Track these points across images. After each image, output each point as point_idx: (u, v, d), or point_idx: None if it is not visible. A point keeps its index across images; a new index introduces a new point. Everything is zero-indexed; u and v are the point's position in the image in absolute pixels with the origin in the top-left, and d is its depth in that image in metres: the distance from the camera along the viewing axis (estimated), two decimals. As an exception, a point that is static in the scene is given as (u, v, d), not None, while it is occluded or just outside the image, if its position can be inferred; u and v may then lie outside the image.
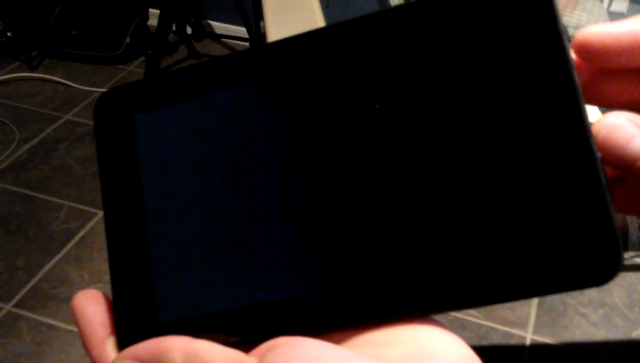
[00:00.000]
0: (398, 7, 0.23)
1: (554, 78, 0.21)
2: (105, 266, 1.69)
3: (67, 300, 1.60)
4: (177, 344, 0.22)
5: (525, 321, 1.60)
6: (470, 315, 1.57)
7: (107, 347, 0.24)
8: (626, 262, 1.69)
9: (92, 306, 0.25)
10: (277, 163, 0.24)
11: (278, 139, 0.24)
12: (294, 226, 0.23)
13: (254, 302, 0.23)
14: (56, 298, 1.61)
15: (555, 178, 0.21)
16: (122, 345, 0.24)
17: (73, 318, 0.24)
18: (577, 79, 0.21)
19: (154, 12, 2.57)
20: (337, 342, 0.22)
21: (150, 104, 0.26)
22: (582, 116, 0.21)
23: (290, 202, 0.23)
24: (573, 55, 0.23)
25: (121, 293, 0.25)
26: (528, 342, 1.55)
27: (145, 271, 0.25)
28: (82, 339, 0.24)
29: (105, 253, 1.72)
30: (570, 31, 1.18)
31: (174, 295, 0.24)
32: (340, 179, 0.23)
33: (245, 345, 0.22)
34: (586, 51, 0.23)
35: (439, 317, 0.23)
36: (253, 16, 2.36)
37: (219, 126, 0.25)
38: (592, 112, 0.21)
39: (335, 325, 0.22)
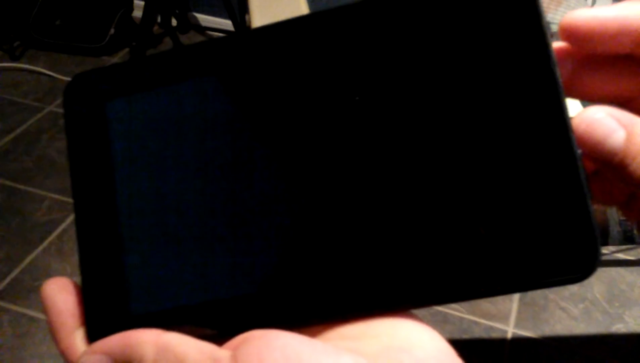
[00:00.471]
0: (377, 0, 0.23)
1: (536, 73, 0.21)
2: (87, 259, 1.68)
3: (49, 292, 1.59)
4: (148, 337, 0.21)
5: (507, 315, 1.61)
6: (452, 309, 1.58)
7: (76, 339, 0.23)
8: (607, 257, 1.70)
9: (62, 295, 0.24)
10: (248, 154, 0.23)
11: (250, 131, 0.23)
12: (268, 218, 0.23)
13: (228, 295, 0.23)
14: (38, 290, 1.59)
15: (534, 173, 0.21)
16: (92, 337, 0.23)
17: (42, 306, 0.24)
18: (559, 74, 0.21)
19: (139, 4, 2.55)
20: (312, 335, 0.22)
21: (122, 90, 0.25)
22: (562, 111, 0.21)
23: (262, 194, 0.23)
24: (557, 44, 0.23)
25: (92, 284, 0.24)
26: (509, 335, 1.56)
27: (116, 262, 0.24)
28: (51, 329, 0.24)
29: (87, 245, 1.71)
30: (554, 28, 1.18)
31: (147, 286, 0.24)
32: (310, 170, 0.23)
33: (219, 338, 0.22)
34: (572, 34, 0.23)
35: (420, 311, 0.23)
36: (238, 9, 2.35)
37: (192, 115, 0.24)
38: (574, 106, 0.21)
39: (310, 318, 0.22)
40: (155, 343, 0.21)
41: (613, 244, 1.21)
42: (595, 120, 0.22)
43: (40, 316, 1.53)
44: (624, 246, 1.58)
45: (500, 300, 1.64)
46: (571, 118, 0.21)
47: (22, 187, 1.89)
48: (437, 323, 1.54)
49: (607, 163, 0.22)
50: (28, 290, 1.59)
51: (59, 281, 0.24)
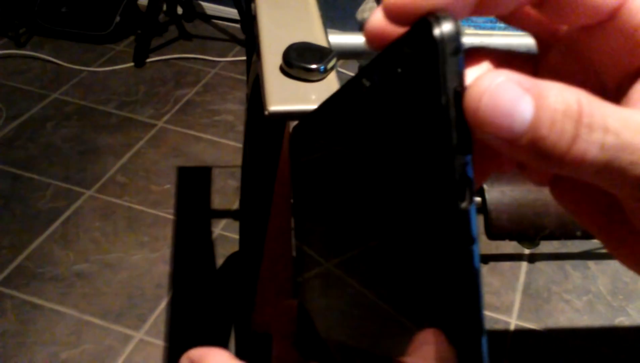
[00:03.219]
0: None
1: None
2: (90, 246, 1.69)
3: (52, 279, 1.60)
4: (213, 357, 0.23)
5: (510, 307, 1.61)
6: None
7: None
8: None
9: None
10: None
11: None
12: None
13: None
14: (41, 277, 1.60)
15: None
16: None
17: None
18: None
19: (144, -9, 2.54)
20: None
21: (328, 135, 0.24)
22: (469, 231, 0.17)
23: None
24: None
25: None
26: (512, 327, 1.56)
27: None
28: None
29: (91, 232, 1.72)
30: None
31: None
32: None
33: None
34: None
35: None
36: (244, -3, 2.34)
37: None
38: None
39: None
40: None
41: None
42: (499, 87, 0.16)
43: (44, 303, 1.54)
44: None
45: (503, 292, 1.64)
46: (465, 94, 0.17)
47: (26, 174, 1.89)
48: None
49: (514, 143, 0.16)
50: (32, 277, 1.60)
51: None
